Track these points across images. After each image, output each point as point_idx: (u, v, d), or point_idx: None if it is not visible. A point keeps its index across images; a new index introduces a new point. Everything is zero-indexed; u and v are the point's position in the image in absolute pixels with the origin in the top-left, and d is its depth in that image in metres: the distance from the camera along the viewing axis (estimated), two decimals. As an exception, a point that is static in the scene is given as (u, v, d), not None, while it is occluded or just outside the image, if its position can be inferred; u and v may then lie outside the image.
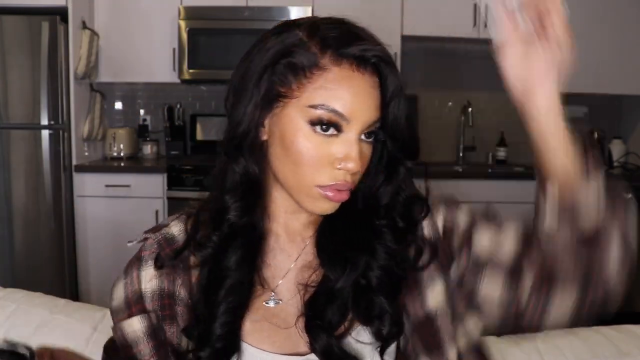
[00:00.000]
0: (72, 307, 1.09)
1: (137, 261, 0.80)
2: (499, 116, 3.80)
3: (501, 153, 3.73)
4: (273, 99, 0.70)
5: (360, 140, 0.70)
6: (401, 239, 0.76)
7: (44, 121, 2.89)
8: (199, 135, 3.59)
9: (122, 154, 3.40)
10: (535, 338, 1.08)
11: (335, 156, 0.70)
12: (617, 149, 3.66)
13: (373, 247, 0.75)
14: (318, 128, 0.69)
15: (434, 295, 0.76)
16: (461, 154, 3.77)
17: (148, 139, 3.57)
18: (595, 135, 3.72)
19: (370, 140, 0.73)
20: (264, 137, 0.73)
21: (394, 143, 0.74)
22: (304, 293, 0.75)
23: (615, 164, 3.59)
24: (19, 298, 1.09)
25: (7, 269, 2.95)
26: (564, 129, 0.69)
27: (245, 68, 0.73)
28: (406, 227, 0.77)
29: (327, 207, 0.73)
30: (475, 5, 3.33)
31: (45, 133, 2.90)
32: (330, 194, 0.70)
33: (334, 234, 0.76)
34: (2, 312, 1.05)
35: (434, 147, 3.71)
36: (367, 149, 0.73)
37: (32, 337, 1.02)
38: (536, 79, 0.68)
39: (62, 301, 1.10)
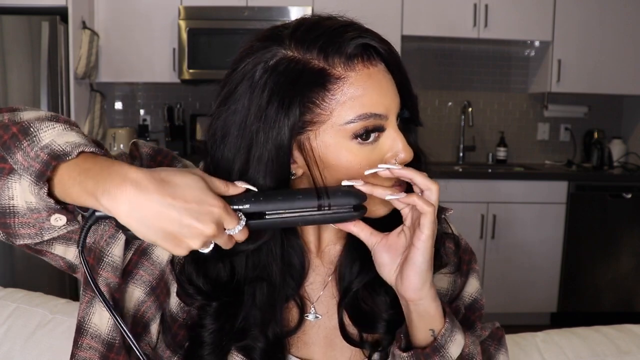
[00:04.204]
0: (72, 307, 1.08)
1: None
2: (499, 116, 3.81)
3: (501, 153, 3.73)
4: (297, 133, 0.64)
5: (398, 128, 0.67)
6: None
7: (44, 121, 2.88)
8: (199, 135, 3.59)
9: (122, 154, 3.40)
10: (536, 337, 1.08)
11: (385, 156, 0.66)
12: (617, 149, 3.66)
13: None
14: (364, 139, 0.64)
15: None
16: (461, 154, 3.77)
17: (148, 139, 3.56)
18: (595, 135, 3.73)
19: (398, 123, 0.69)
20: (299, 174, 0.67)
21: (413, 113, 0.71)
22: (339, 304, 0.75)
23: (615, 164, 3.60)
24: (19, 298, 1.09)
25: (7, 269, 2.94)
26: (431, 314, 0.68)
27: (243, 108, 0.67)
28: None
29: (388, 208, 0.69)
30: (475, 5, 3.34)
31: (45, 133, 2.89)
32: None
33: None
34: (2, 312, 1.05)
35: (434, 147, 3.71)
36: (404, 134, 0.68)
37: (32, 337, 1.02)
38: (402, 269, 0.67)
39: (62, 301, 1.10)
